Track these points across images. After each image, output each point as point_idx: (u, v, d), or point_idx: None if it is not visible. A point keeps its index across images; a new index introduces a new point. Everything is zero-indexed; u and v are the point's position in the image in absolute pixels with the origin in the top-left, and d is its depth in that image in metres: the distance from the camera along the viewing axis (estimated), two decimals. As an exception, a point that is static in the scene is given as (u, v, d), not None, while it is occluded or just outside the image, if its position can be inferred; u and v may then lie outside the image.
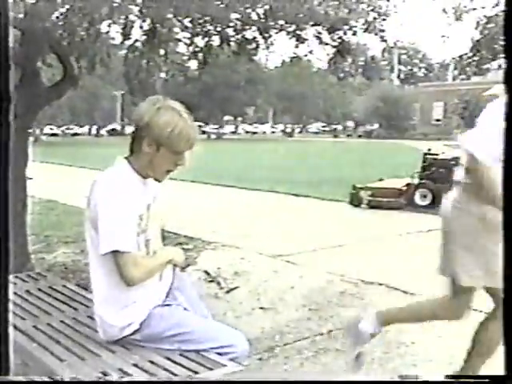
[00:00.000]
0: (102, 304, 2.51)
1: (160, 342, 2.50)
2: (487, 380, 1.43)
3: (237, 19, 5.00)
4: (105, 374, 2.29)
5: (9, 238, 1.28)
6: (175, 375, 2.29)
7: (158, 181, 2.56)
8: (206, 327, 2.63)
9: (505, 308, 1.33)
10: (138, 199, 2.47)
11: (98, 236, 2.39)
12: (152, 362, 2.40)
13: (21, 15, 4.47)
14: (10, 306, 2.99)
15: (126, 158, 2.52)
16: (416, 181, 11.05)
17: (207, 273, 5.82)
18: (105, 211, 2.37)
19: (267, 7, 4.78)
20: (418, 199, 10.82)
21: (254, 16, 4.93)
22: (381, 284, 5.55)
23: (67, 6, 4.26)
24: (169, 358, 2.43)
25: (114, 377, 2.27)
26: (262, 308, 4.91)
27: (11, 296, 3.15)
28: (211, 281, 5.64)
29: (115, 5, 4.17)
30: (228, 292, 5.34)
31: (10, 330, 2.72)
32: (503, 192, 1.35)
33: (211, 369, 2.35)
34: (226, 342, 2.52)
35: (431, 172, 10.91)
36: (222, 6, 4.62)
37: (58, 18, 4.38)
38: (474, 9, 12.71)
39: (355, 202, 10.99)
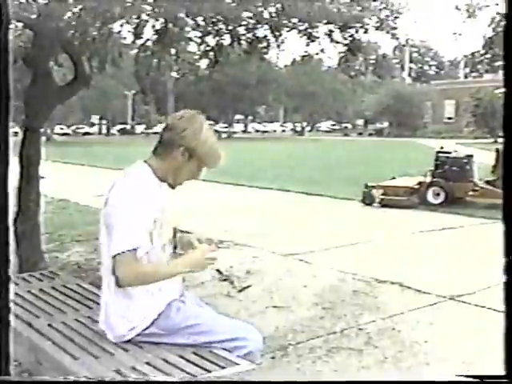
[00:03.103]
0: (116, 301, 2.52)
1: (176, 334, 2.53)
2: (487, 380, 1.41)
3: (249, 18, 4.99)
4: (119, 373, 2.30)
5: (9, 239, 1.28)
6: (188, 373, 2.30)
7: (172, 187, 2.61)
8: (220, 320, 2.68)
9: (506, 308, 1.32)
10: (155, 202, 2.49)
11: (110, 236, 2.42)
12: (165, 360, 2.40)
13: (33, 16, 4.49)
14: (25, 305, 3.02)
15: (145, 161, 2.57)
16: (428, 179, 11.01)
17: (220, 272, 5.82)
18: (119, 214, 2.41)
19: (279, 6, 4.77)
20: (430, 197, 10.78)
21: (266, 14, 4.91)
22: (393, 283, 5.53)
23: (80, 6, 4.27)
24: (182, 356, 2.43)
25: (118, 376, 2.28)
26: (274, 307, 4.90)
27: (26, 295, 3.18)
28: (224, 280, 5.64)
29: (128, 4, 4.17)
30: (240, 291, 5.34)
31: (25, 328, 2.74)
32: (503, 189, 1.34)
33: (224, 367, 2.35)
34: (240, 334, 2.55)
35: (444, 170, 10.86)
36: (234, 4, 4.61)
37: (70, 17, 4.39)
38: (487, 6, 12.62)
39: (367, 200, 10.95)
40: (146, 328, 2.53)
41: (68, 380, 2.24)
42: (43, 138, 5.33)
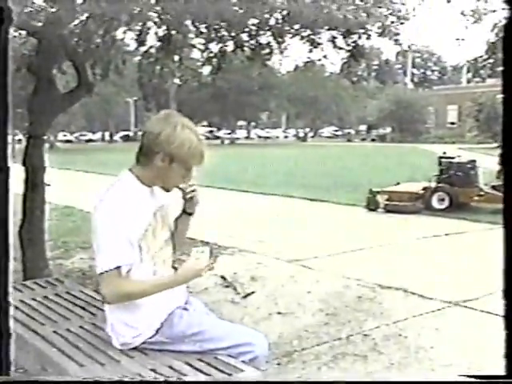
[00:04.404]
0: (117, 310, 2.52)
1: (181, 341, 2.52)
2: (487, 380, 1.41)
3: (253, 24, 5.00)
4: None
5: (9, 244, 1.28)
6: (194, 380, 2.29)
7: (167, 190, 2.58)
8: (224, 326, 2.68)
9: (505, 308, 1.32)
10: (144, 210, 2.47)
11: (96, 253, 2.41)
12: (170, 367, 2.40)
13: (38, 24, 4.51)
14: (30, 312, 3.02)
15: (130, 169, 2.53)
16: (433, 184, 11.00)
17: (224, 278, 5.81)
18: (103, 231, 2.38)
19: (285, 12, 4.78)
20: (435, 203, 10.77)
21: (270, 21, 4.92)
22: (398, 289, 5.51)
23: (86, 14, 4.29)
24: (187, 363, 2.43)
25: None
26: (279, 313, 4.89)
27: (30, 302, 3.18)
28: (228, 286, 5.64)
29: (135, 12, 4.18)
30: (245, 297, 5.33)
31: (30, 335, 2.74)
32: (504, 190, 1.34)
33: (229, 374, 2.34)
34: (246, 340, 2.54)
35: (449, 175, 10.85)
36: (239, 11, 4.61)
37: (75, 25, 4.41)
38: (494, 11, 12.57)
39: (372, 206, 10.95)
40: (151, 336, 2.52)
41: (68, 380, 2.23)
42: (46, 146, 5.34)
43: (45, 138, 5.29)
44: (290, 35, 5.28)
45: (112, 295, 2.41)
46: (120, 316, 2.52)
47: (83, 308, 3.15)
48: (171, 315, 2.55)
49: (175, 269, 2.69)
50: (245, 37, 5.35)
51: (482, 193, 10.56)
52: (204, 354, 2.50)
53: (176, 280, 2.52)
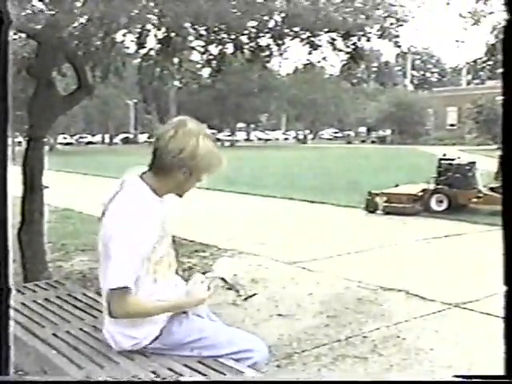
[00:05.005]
0: (117, 321, 2.48)
1: (181, 348, 2.51)
2: (487, 380, 1.41)
3: (252, 27, 5.01)
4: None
5: (8, 245, 1.28)
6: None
7: (181, 196, 2.54)
8: (224, 332, 2.65)
9: (506, 308, 1.32)
10: (156, 223, 2.42)
11: (107, 263, 2.36)
12: (171, 370, 2.39)
13: (38, 26, 4.51)
14: (31, 315, 3.01)
15: (141, 177, 2.44)
16: (432, 186, 11.00)
17: (224, 280, 5.80)
18: (117, 245, 2.31)
19: (284, 15, 4.78)
20: (434, 205, 10.77)
21: (270, 24, 4.93)
22: (399, 290, 5.51)
23: (86, 17, 4.29)
24: (187, 366, 2.42)
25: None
26: (279, 315, 4.89)
27: (31, 304, 3.18)
28: (229, 288, 5.63)
29: (133, 14, 4.19)
30: (246, 299, 5.34)
31: (30, 337, 2.73)
32: (503, 192, 1.34)
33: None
34: (245, 346, 2.53)
35: (447, 177, 10.85)
36: (238, 13, 4.62)
37: (74, 28, 4.41)
38: (492, 13, 12.59)
39: (371, 208, 10.95)
40: (150, 343, 2.50)
41: (67, 380, 2.23)
42: (46, 148, 5.34)
43: (45, 140, 5.29)
44: (290, 37, 5.29)
45: (120, 312, 2.38)
46: (119, 325, 2.49)
47: (84, 310, 3.15)
48: (171, 322, 2.52)
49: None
50: (244, 39, 5.36)
51: (481, 194, 10.56)
52: (204, 357, 2.50)
53: (181, 306, 2.53)
